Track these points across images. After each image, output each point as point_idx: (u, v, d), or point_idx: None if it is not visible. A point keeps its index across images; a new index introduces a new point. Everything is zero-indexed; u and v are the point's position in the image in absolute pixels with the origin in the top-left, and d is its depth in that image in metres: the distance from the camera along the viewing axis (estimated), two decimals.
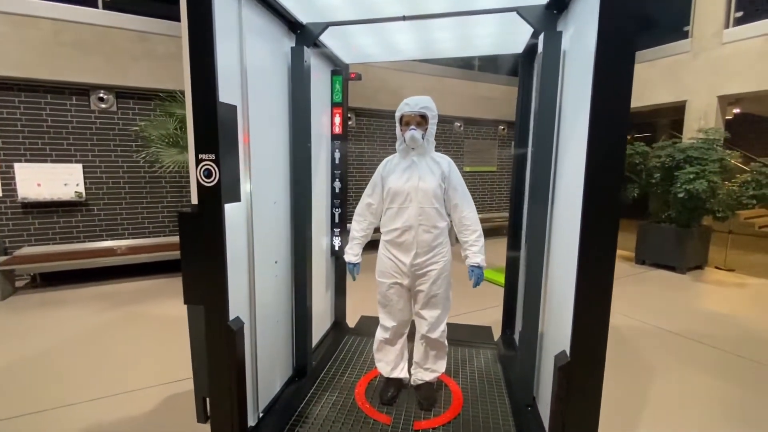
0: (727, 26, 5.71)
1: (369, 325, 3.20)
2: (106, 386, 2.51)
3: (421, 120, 1.95)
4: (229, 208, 1.56)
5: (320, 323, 2.80)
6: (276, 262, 2.12)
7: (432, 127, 1.99)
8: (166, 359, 2.84)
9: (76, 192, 4.79)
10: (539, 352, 2.04)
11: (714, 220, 5.41)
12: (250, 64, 1.73)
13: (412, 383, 2.24)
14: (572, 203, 1.53)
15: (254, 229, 1.82)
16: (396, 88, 6.68)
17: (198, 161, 1.46)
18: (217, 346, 1.55)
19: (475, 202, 2.09)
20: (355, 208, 2.18)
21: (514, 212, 2.78)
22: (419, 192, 1.95)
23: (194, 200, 1.51)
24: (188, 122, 1.48)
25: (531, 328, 2.02)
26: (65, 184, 4.75)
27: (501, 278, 4.83)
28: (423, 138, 1.95)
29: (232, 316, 1.57)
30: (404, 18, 1.98)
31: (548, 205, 1.94)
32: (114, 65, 4.76)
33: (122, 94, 4.96)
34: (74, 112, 4.77)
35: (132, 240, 5.18)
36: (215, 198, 1.47)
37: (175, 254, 5.00)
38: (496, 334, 3.08)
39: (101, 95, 4.83)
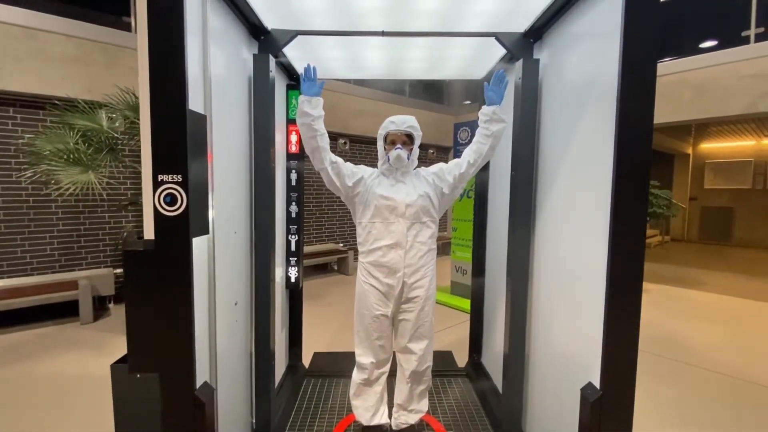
0: None
1: (326, 362, 2.90)
2: None
3: (407, 139, 1.83)
4: (195, 243, 1.24)
5: (276, 369, 2.44)
6: (236, 304, 1.77)
7: (416, 147, 1.87)
8: None
9: None
10: (526, 382, 1.98)
11: None
12: (212, 69, 1.45)
13: (395, 428, 2.02)
14: (577, 226, 1.52)
15: (216, 266, 1.49)
16: (329, 107, 6.50)
17: (157, 184, 1.13)
18: (181, 422, 1.18)
19: None
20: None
21: (478, 237, 2.76)
22: (407, 208, 1.80)
23: (149, 234, 1.17)
24: (143, 136, 1.15)
25: (517, 358, 1.95)
26: None
27: (450, 300, 4.88)
28: (408, 158, 1.82)
29: (199, 382, 1.23)
30: (383, 33, 1.86)
31: (531, 228, 1.94)
32: None
33: None
34: None
35: (8, 280, 4.13)
36: (181, 231, 1.15)
37: (70, 295, 4.09)
38: (457, 358, 3.01)
39: None
